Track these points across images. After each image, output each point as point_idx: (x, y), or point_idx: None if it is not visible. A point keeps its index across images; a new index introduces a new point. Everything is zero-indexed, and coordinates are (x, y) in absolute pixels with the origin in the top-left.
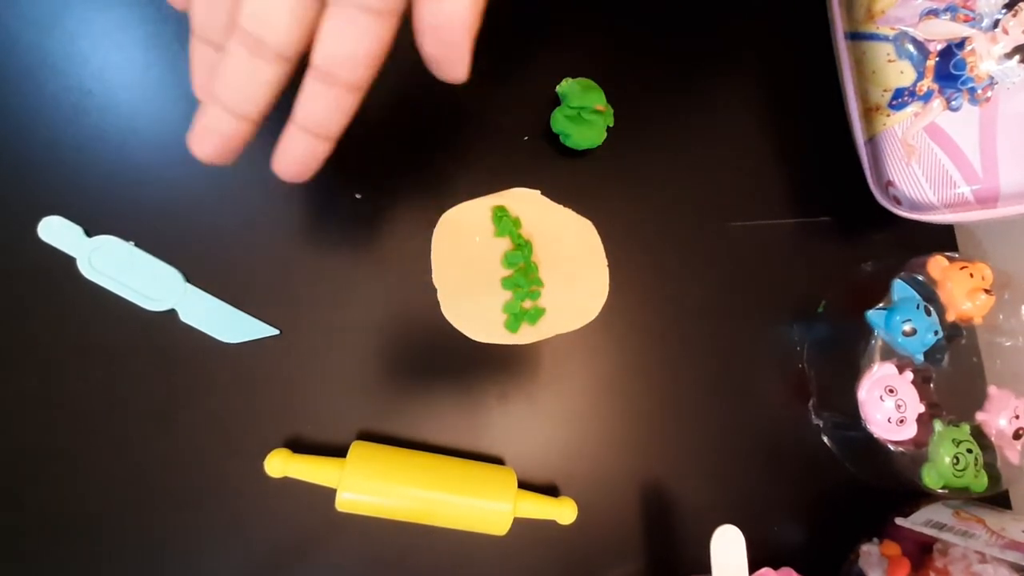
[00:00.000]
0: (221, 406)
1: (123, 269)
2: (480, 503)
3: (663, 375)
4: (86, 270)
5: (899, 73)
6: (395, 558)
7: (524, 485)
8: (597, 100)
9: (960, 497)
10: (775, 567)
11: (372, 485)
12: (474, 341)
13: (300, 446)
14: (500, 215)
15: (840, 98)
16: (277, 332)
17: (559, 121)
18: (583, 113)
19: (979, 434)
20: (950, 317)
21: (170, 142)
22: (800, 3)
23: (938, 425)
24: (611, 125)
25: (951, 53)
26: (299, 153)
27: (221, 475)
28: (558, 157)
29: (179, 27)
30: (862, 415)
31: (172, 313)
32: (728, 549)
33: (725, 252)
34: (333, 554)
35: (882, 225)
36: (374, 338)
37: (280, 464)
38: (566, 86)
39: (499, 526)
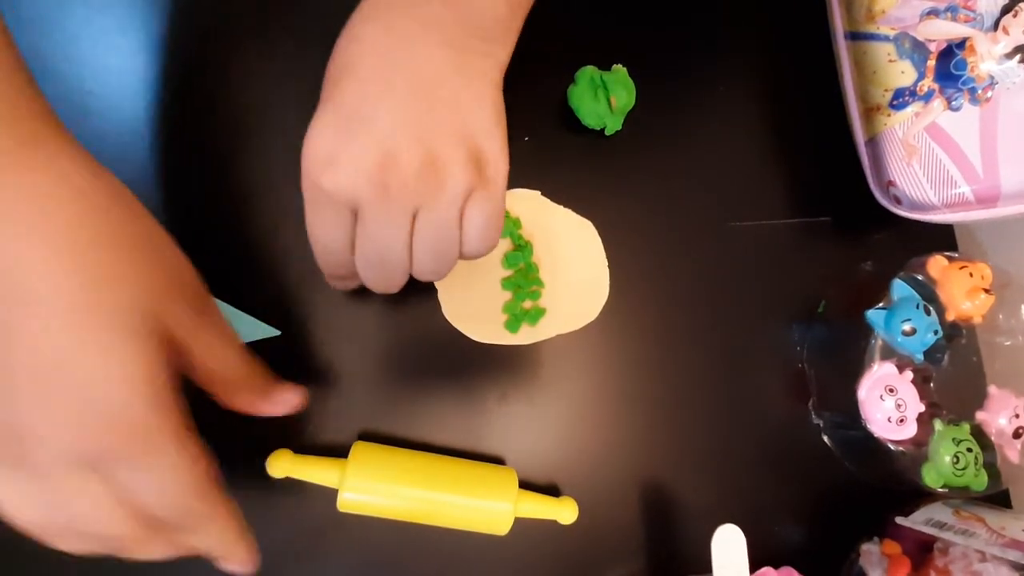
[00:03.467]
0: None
1: None
2: (481, 503)
3: (663, 375)
4: None
5: (900, 73)
6: (396, 558)
7: (525, 485)
8: (620, 92)
9: (960, 496)
10: (776, 566)
11: (374, 485)
12: (474, 341)
13: (302, 446)
14: None
15: (840, 98)
16: (277, 332)
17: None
18: (605, 78)
19: (979, 433)
20: (950, 317)
21: (170, 143)
22: (800, 3)
23: (938, 424)
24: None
25: (951, 53)
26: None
27: (223, 475)
28: (558, 157)
29: (179, 27)
30: (862, 414)
31: None
32: (729, 548)
33: (725, 252)
34: (335, 554)
35: (882, 225)
36: (375, 338)
37: (282, 464)
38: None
39: (500, 526)
